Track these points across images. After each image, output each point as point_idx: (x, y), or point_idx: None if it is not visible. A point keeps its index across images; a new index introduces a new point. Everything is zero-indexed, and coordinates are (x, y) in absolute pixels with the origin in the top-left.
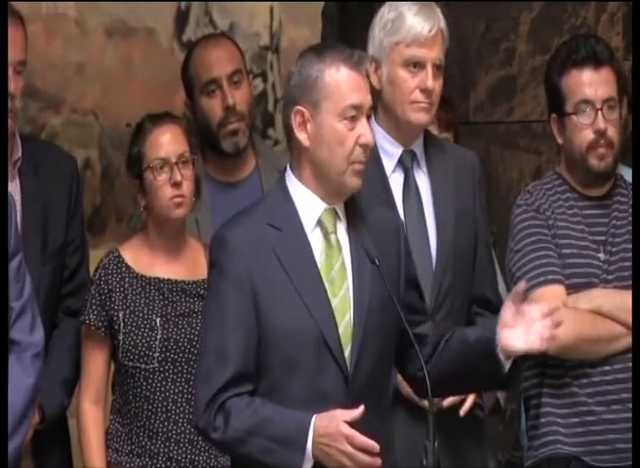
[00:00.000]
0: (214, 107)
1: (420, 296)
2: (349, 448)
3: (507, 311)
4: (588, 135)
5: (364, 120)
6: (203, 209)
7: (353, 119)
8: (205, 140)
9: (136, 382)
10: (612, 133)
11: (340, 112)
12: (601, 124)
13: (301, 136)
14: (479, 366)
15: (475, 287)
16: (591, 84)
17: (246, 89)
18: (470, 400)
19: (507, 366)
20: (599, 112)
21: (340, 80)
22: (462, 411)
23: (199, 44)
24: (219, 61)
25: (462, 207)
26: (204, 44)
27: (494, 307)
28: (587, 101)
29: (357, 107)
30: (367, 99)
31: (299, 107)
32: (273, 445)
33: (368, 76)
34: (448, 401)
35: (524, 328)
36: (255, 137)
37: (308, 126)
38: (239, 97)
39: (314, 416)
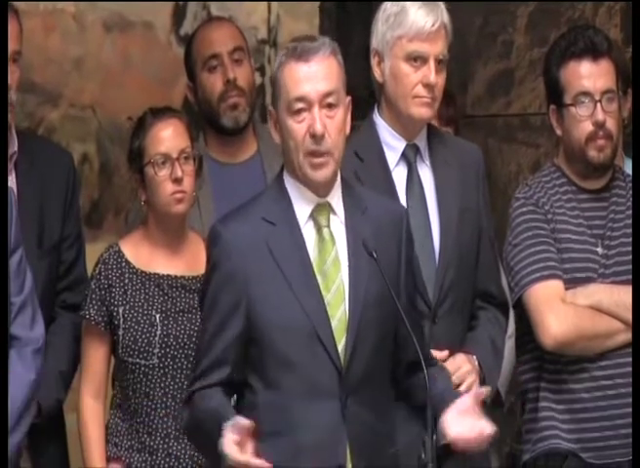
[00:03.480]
0: (215, 82)
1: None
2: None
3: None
4: (587, 126)
5: (314, 110)
6: (204, 187)
7: (301, 111)
8: (206, 118)
9: (135, 378)
10: (610, 124)
11: (288, 107)
12: (600, 116)
13: (275, 137)
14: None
15: (479, 281)
16: (590, 76)
17: (247, 68)
18: None
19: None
20: (598, 104)
21: (285, 76)
22: None
23: (202, 25)
24: (220, 38)
25: (466, 201)
26: (207, 24)
27: (497, 301)
28: (586, 93)
29: (302, 99)
30: (316, 88)
31: (269, 108)
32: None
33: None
34: None
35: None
36: (256, 121)
37: (278, 125)
38: (240, 74)
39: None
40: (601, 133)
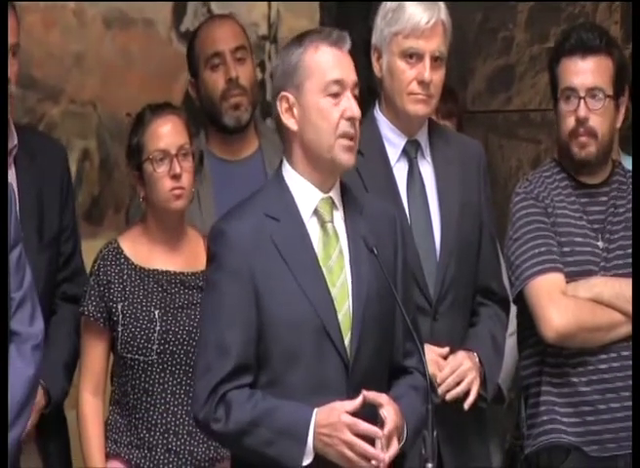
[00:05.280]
0: (217, 80)
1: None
2: (351, 438)
3: None
4: (570, 122)
5: (349, 94)
6: (205, 184)
7: (337, 95)
8: (208, 116)
9: (134, 374)
10: (595, 122)
11: (323, 88)
12: (582, 112)
13: (289, 122)
14: None
15: (479, 277)
16: (577, 72)
17: (250, 66)
18: (474, 393)
19: None
20: (581, 100)
21: (319, 58)
22: (467, 405)
23: (205, 22)
24: (223, 36)
25: (467, 197)
26: (210, 22)
27: (498, 298)
28: (572, 89)
29: (339, 82)
30: (349, 75)
31: (283, 93)
32: (274, 436)
33: (352, 55)
34: (451, 394)
35: None
36: (257, 119)
37: (294, 110)
38: (242, 73)
39: (315, 409)
40: (582, 129)
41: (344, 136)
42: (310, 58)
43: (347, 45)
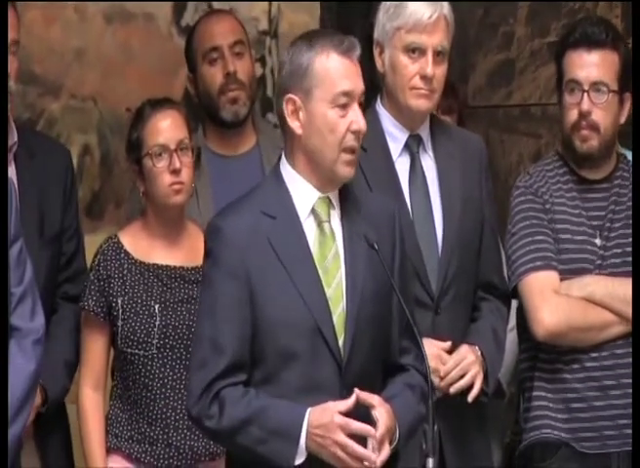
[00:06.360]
0: (215, 74)
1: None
2: (344, 439)
3: None
4: (573, 115)
5: (356, 106)
6: (203, 179)
7: (345, 106)
8: (205, 111)
9: (135, 369)
10: (598, 116)
11: (332, 99)
12: (585, 105)
13: (294, 125)
14: None
15: (481, 271)
16: (582, 65)
17: (247, 61)
18: (478, 387)
19: None
20: (585, 94)
21: (330, 67)
22: (471, 398)
23: (203, 18)
24: (221, 31)
25: (469, 191)
26: (208, 17)
27: (499, 292)
28: (576, 82)
29: (348, 94)
30: (358, 86)
31: (290, 95)
32: (267, 435)
33: (360, 62)
34: (455, 387)
35: None
36: (255, 115)
37: (300, 114)
38: (240, 67)
39: (308, 409)
40: (584, 123)
41: (348, 150)
42: (321, 66)
43: (357, 53)
